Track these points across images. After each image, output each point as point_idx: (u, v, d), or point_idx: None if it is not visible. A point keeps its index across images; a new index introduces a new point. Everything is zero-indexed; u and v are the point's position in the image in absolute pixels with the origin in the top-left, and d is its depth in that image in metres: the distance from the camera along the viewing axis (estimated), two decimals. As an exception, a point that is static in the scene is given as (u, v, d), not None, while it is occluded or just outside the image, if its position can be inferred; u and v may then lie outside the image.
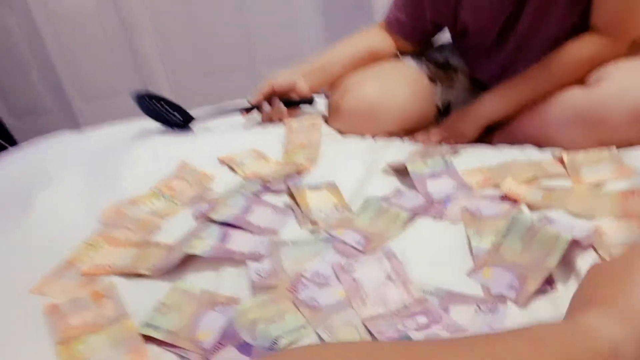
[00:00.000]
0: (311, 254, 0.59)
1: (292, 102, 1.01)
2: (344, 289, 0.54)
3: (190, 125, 1.02)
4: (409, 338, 0.45)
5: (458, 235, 0.62)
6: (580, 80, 0.85)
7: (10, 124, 2.70)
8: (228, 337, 0.48)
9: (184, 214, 0.73)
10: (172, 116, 1.00)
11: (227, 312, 0.52)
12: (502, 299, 0.50)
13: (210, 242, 0.61)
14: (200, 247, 0.59)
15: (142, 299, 0.56)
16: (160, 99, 0.98)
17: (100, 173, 0.86)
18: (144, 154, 0.92)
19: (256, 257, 0.59)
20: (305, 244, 0.61)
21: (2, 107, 2.72)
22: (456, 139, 0.96)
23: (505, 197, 0.67)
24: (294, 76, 1.01)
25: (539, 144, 0.87)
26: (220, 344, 0.47)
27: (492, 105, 0.94)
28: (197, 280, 0.57)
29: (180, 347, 0.48)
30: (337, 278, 0.55)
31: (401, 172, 0.78)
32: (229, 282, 0.57)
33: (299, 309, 0.51)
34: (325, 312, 0.50)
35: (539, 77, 0.88)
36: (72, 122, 2.84)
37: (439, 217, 0.66)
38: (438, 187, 0.73)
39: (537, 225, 0.55)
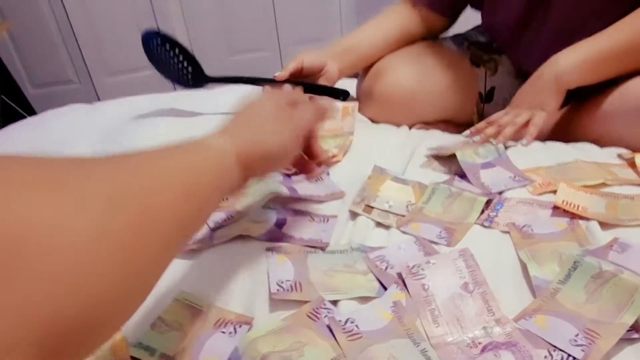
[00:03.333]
0: (343, 265, 0.50)
1: (322, 90, 0.89)
2: (412, 298, 0.45)
3: (204, 87, 0.92)
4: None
5: (511, 250, 0.52)
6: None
7: (31, 94, 2.66)
8: (234, 372, 0.39)
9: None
10: (184, 70, 0.89)
11: (237, 336, 0.43)
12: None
13: (266, 226, 0.55)
14: (255, 230, 0.54)
15: (139, 309, 0.48)
16: (174, 44, 0.88)
17: (111, 149, 0.78)
18: (158, 131, 0.84)
19: (319, 245, 0.53)
20: (336, 252, 0.52)
21: (24, 77, 2.68)
22: (536, 111, 0.77)
23: (559, 208, 0.56)
24: (323, 57, 0.91)
25: (598, 141, 0.75)
26: (224, 380, 0.39)
27: (571, 64, 0.74)
28: (204, 291, 0.48)
29: (177, 377, 0.40)
30: (404, 284, 0.47)
31: (445, 162, 0.69)
32: (242, 292, 0.48)
33: (334, 338, 0.42)
34: (364, 340, 0.41)
35: (629, 30, 0.70)
36: (93, 94, 2.79)
37: (488, 224, 0.56)
38: (492, 178, 0.64)
39: (606, 271, 0.43)
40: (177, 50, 0.87)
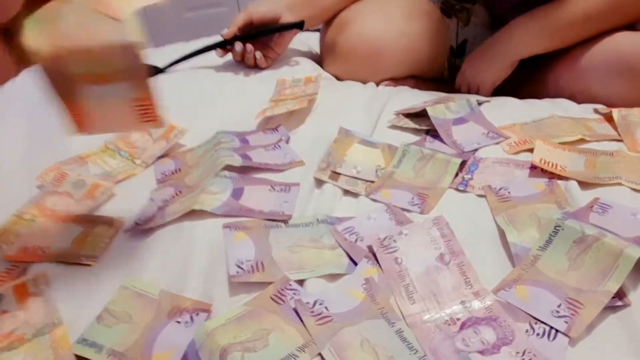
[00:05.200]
0: (309, 240, 0.46)
1: (277, 28, 0.82)
2: (386, 274, 0.42)
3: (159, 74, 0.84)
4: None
5: (488, 215, 0.49)
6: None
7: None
8: (191, 368, 0.35)
9: (145, 176, 0.59)
10: None
11: (193, 325, 0.39)
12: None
13: (222, 197, 0.50)
14: (210, 202, 0.48)
15: (84, 300, 0.43)
16: None
17: (41, 121, 0.70)
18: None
19: (280, 217, 0.49)
20: (301, 225, 0.48)
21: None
22: (477, 85, 0.80)
23: (536, 167, 0.53)
24: (277, 8, 0.83)
25: (574, 98, 0.72)
26: (180, 378, 0.35)
27: (525, 34, 0.73)
28: (156, 276, 0.44)
29: (127, 376, 0.36)
30: (375, 258, 0.43)
31: (415, 120, 0.65)
32: (198, 276, 0.43)
33: (301, 322, 0.38)
34: (335, 323, 0.37)
35: (589, 1, 0.68)
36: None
37: (463, 188, 0.53)
38: (465, 134, 0.61)
39: (589, 236, 0.41)
40: None
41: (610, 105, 0.66)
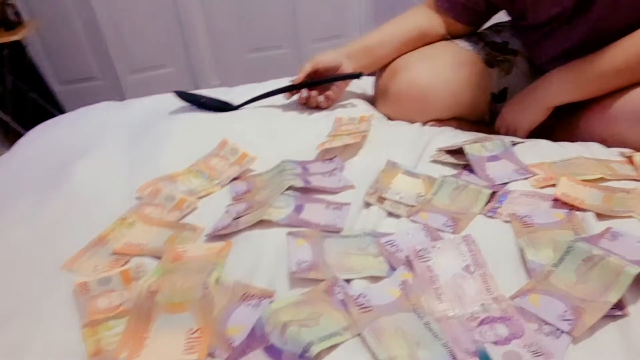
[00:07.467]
0: (357, 248, 0.55)
1: (338, 77, 0.94)
2: (418, 278, 0.50)
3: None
4: (486, 355, 0.41)
5: (511, 238, 0.56)
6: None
7: (57, 90, 2.76)
8: (257, 338, 0.45)
9: (222, 194, 0.71)
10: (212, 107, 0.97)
11: (260, 307, 0.49)
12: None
13: (286, 211, 0.61)
14: (276, 214, 0.60)
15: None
16: (200, 97, 0.97)
17: (141, 145, 0.85)
18: (185, 128, 0.89)
19: (334, 229, 0.59)
20: (350, 236, 0.57)
21: (52, 73, 2.77)
22: (515, 128, 0.88)
23: (558, 200, 0.60)
24: (339, 57, 0.96)
25: (605, 142, 0.79)
26: (248, 346, 0.44)
27: (560, 84, 0.82)
28: (231, 268, 0.54)
29: (209, 341, 0.46)
30: (410, 265, 0.52)
31: (455, 156, 0.73)
32: (265, 271, 0.54)
33: (345, 310, 0.47)
34: (374, 313, 0.46)
35: (621, 55, 0.76)
36: (117, 90, 2.88)
37: (491, 214, 0.60)
38: (497, 170, 0.69)
39: (596, 255, 0.48)
40: (203, 101, 0.97)
41: (637, 149, 0.72)
